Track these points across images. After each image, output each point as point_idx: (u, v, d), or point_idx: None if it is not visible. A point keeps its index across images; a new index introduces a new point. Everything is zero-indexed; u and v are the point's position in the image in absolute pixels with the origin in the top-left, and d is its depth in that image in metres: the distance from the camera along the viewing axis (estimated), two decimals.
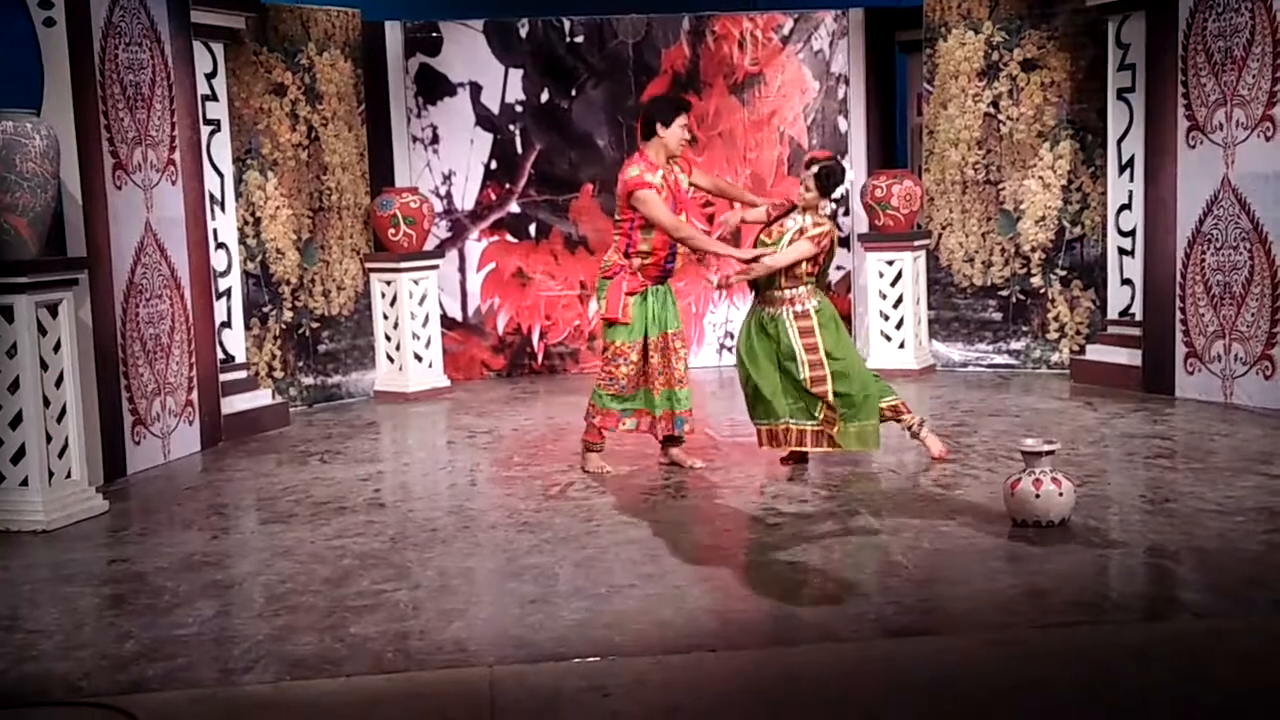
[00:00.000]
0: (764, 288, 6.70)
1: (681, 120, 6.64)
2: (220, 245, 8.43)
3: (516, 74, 10.29)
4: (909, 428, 6.87)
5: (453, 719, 3.96)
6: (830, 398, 6.52)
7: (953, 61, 9.88)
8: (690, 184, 6.88)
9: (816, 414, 6.57)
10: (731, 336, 10.58)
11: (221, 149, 8.47)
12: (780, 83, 10.45)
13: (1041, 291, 9.71)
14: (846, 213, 10.18)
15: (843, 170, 6.78)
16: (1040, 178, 9.63)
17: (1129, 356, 8.77)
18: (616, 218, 6.72)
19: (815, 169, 6.55)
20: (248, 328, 8.75)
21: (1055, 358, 9.68)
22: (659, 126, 6.61)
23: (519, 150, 10.36)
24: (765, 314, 6.70)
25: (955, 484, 6.40)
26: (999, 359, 9.90)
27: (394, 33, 10.16)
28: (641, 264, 6.64)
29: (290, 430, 8.53)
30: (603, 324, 6.83)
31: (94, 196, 6.95)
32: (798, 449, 6.72)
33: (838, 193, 6.70)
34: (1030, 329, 9.78)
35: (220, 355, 8.25)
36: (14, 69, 6.93)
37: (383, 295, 9.73)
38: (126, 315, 7.21)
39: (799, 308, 6.62)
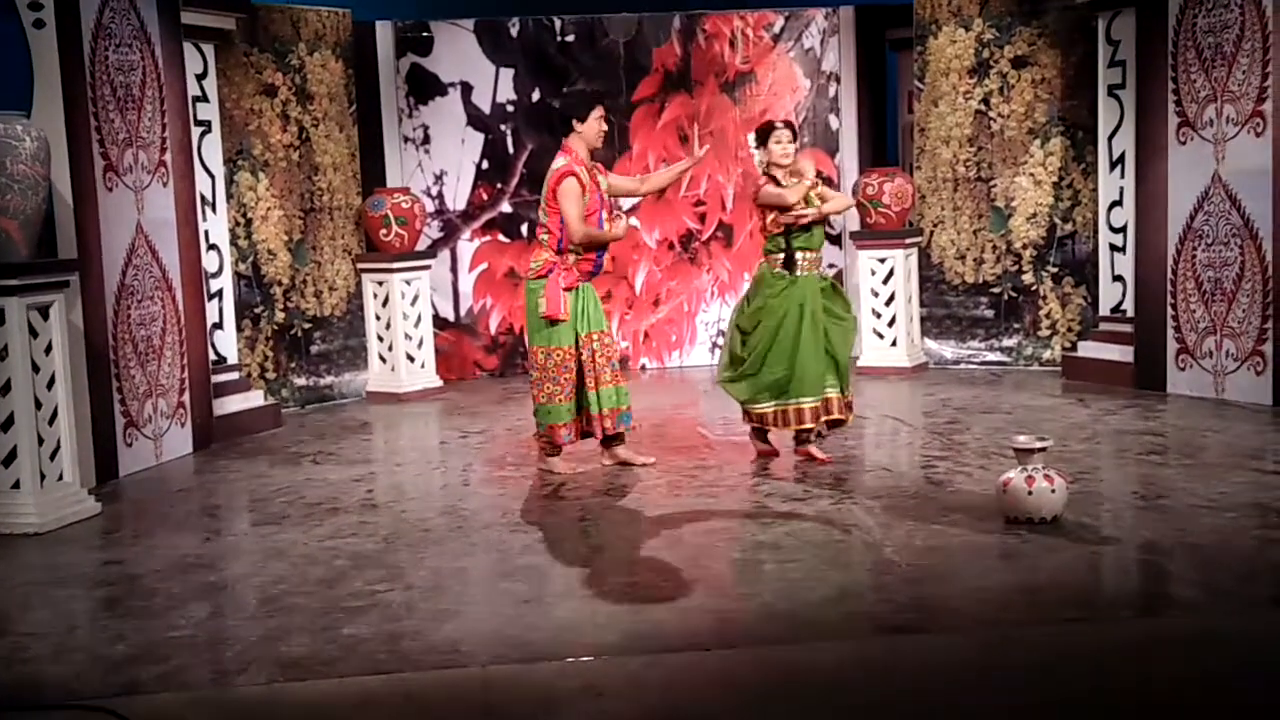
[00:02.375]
0: (811, 251, 6.84)
1: (596, 113, 6.79)
2: (212, 246, 8.42)
3: (507, 73, 10.28)
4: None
5: None
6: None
7: (943, 59, 9.88)
8: (608, 185, 6.94)
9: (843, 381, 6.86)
10: (724, 335, 10.57)
11: (212, 150, 8.46)
12: (771, 81, 10.45)
13: (1033, 288, 9.72)
14: None
15: (767, 122, 7.05)
16: (1031, 175, 9.64)
17: (1121, 353, 8.78)
18: (544, 215, 6.75)
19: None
20: (239, 329, 8.74)
21: (1047, 355, 9.69)
22: (575, 123, 6.77)
23: (510, 150, 10.35)
24: (815, 276, 6.86)
25: (948, 482, 6.41)
26: (991, 356, 9.91)
27: (385, 33, 10.15)
28: (576, 259, 6.70)
29: (282, 431, 8.52)
30: (530, 329, 6.80)
31: (85, 198, 6.94)
32: (831, 419, 6.85)
33: (775, 137, 6.82)
34: (1022, 326, 9.80)
35: (212, 357, 8.24)
36: (4, 71, 6.92)
37: (375, 296, 9.72)
38: (118, 317, 7.20)
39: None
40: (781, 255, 6.80)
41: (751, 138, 7.00)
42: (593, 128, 6.77)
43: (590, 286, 6.84)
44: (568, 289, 6.69)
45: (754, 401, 6.84)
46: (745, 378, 6.83)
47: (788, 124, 6.98)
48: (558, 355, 6.70)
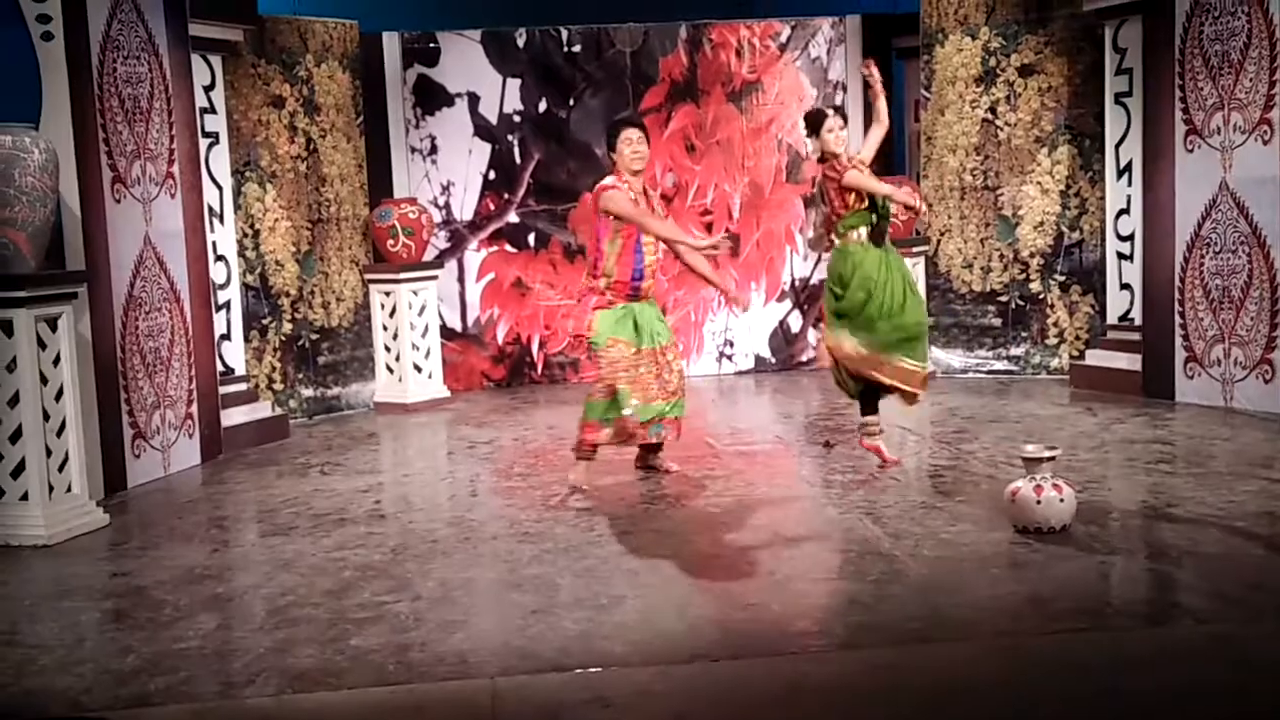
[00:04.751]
0: (881, 230, 6.94)
1: (623, 137, 6.69)
2: (219, 258, 8.43)
3: (514, 84, 10.29)
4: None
5: None
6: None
7: (950, 68, 9.89)
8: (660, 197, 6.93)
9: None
10: (730, 344, 10.59)
11: (220, 161, 8.47)
12: (778, 90, 10.45)
13: (1040, 297, 9.71)
14: None
15: (817, 110, 7.14)
16: (1038, 183, 9.64)
17: (1129, 361, 8.76)
18: (588, 238, 6.84)
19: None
20: (247, 340, 8.75)
21: (1055, 363, 9.67)
22: (611, 155, 6.79)
23: (517, 160, 10.36)
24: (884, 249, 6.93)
25: (956, 491, 6.40)
26: (999, 365, 9.90)
27: (392, 44, 10.17)
28: (608, 283, 6.65)
29: (290, 442, 8.53)
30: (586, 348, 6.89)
31: (93, 210, 6.96)
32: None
33: (828, 125, 6.86)
34: (1030, 334, 9.78)
35: (220, 368, 8.25)
36: (12, 83, 6.94)
37: (382, 306, 9.73)
38: (126, 328, 7.21)
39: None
40: (861, 230, 6.85)
41: (802, 125, 7.08)
42: (624, 155, 6.68)
43: (647, 305, 6.75)
44: (596, 309, 6.66)
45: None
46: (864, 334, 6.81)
47: (837, 110, 7.15)
48: (618, 352, 6.59)
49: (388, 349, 9.74)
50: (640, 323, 6.66)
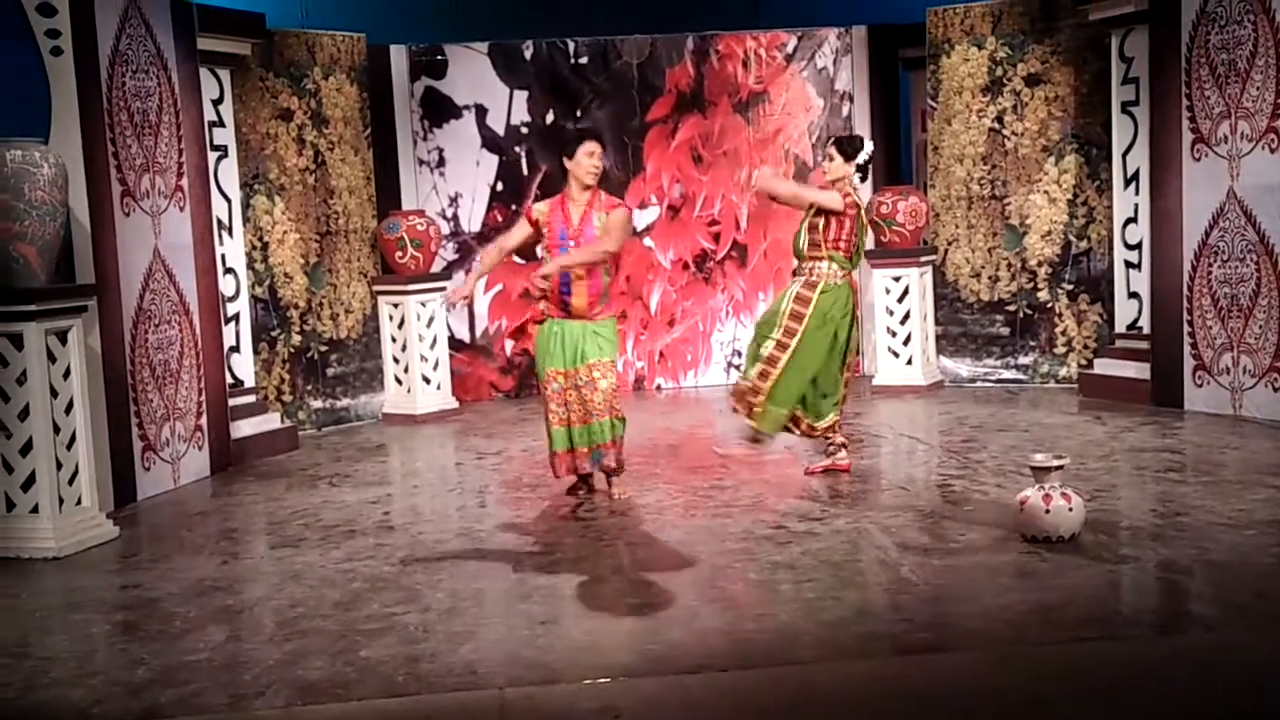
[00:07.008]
0: (796, 259, 7.00)
1: (584, 149, 6.57)
2: (228, 270, 8.46)
3: (521, 96, 10.33)
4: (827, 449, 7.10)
5: None
6: (769, 375, 6.76)
7: (956, 77, 9.90)
8: (604, 223, 6.59)
9: (750, 374, 6.86)
10: (739, 354, 10.60)
11: (229, 174, 8.51)
12: (785, 101, 10.47)
13: (1049, 306, 9.70)
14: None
15: (860, 138, 7.14)
16: (1045, 192, 9.64)
17: (1137, 370, 8.76)
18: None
19: (832, 139, 7.06)
20: (256, 352, 8.77)
21: (1063, 372, 9.67)
22: (565, 160, 6.65)
23: (525, 172, 10.39)
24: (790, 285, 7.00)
25: (964, 500, 6.39)
26: (1007, 374, 9.89)
27: (399, 56, 10.20)
28: (542, 294, 6.59)
29: (299, 454, 8.54)
30: None
31: (102, 224, 6.98)
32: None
33: (861, 157, 6.93)
34: (1038, 344, 9.78)
35: (229, 380, 8.28)
36: (22, 98, 6.97)
37: (390, 318, 9.75)
38: (135, 341, 7.24)
39: (811, 278, 6.85)
40: (838, 267, 6.88)
41: (834, 147, 6.98)
42: (580, 164, 6.57)
43: (578, 324, 6.56)
44: (533, 320, 6.75)
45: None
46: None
47: (832, 140, 7.14)
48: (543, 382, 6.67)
49: (396, 360, 9.76)
50: (565, 344, 6.57)
